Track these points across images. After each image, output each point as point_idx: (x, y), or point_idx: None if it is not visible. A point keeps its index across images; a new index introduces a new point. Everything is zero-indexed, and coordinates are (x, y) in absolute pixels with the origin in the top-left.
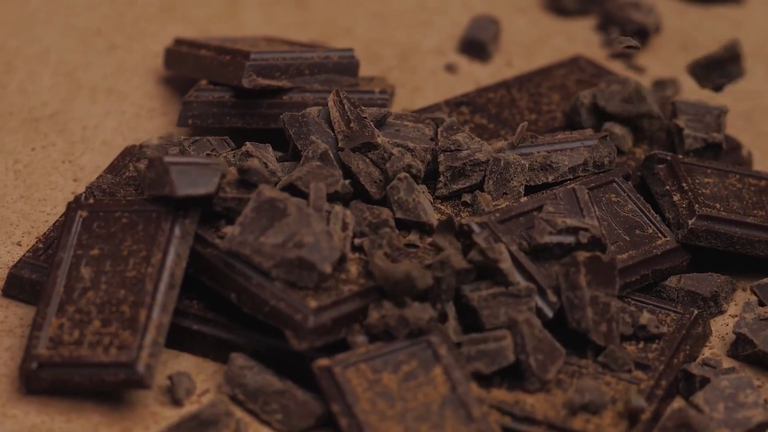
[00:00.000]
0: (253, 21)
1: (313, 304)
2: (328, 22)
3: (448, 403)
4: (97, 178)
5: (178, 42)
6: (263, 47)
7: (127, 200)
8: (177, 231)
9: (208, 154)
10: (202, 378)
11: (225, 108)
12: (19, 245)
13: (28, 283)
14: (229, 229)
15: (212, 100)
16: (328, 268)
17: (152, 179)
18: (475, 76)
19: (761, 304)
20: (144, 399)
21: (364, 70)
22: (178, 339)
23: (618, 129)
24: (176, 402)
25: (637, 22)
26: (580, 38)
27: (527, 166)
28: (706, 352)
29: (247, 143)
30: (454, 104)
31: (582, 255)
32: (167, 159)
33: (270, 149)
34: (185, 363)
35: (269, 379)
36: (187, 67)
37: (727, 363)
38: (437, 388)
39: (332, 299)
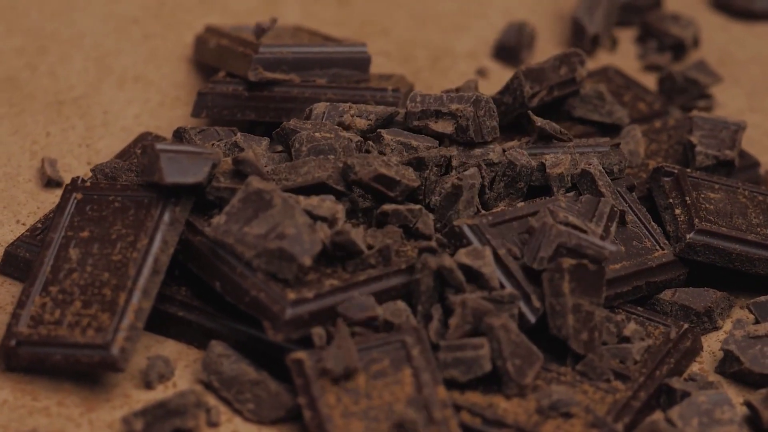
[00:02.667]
0: (291, 16)
1: (291, 296)
2: (367, 20)
3: (412, 403)
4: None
5: (208, 30)
6: (284, 40)
7: (122, 185)
8: (166, 218)
9: (214, 144)
10: (183, 364)
11: (239, 101)
12: (23, 225)
13: (23, 262)
14: (217, 219)
15: (227, 93)
16: (307, 261)
17: (145, 166)
18: (505, 81)
19: (757, 322)
20: (121, 380)
21: (396, 70)
22: (163, 324)
23: (636, 134)
24: (147, 384)
25: (674, 35)
26: (618, 48)
27: (536, 166)
28: (695, 368)
29: (238, 134)
30: None
31: (567, 262)
32: (159, 146)
33: (264, 142)
34: (169, 348)
35: (245, 369)
36: (210, 56)
37: (714, 379)
38: (404, 389)
39: (312, 293)
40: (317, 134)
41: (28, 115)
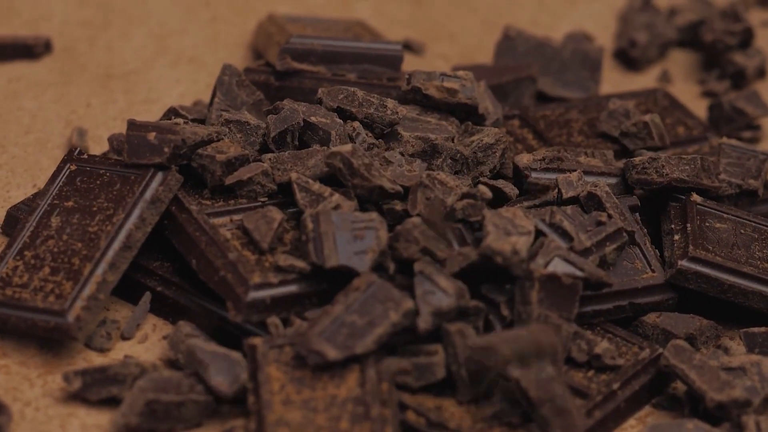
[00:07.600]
0: (362, 13)
1: (255, 279)
2: (437, 23)
3: (352, 398)
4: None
5: (267, 18)
6: (319, 32)
7: (116, 160)
8: (147, 195)
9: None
10: (154, 338)
11: (270, 90)
12: (39, 189)
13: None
14: (209, 203)
15: (258, 81)
16: None
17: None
18: None
19: (750, 351)
20: (86, 347)
21: None
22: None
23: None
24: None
25: (737, 63)
26: (680, 71)
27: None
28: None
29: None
30: (505, 116)
31: (539, 271)
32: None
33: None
34: (148, 323)
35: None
36: (261, 43)
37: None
38: (347, 383)
39: (278, 278)
40: (312, 118)
41: (74, 86)
